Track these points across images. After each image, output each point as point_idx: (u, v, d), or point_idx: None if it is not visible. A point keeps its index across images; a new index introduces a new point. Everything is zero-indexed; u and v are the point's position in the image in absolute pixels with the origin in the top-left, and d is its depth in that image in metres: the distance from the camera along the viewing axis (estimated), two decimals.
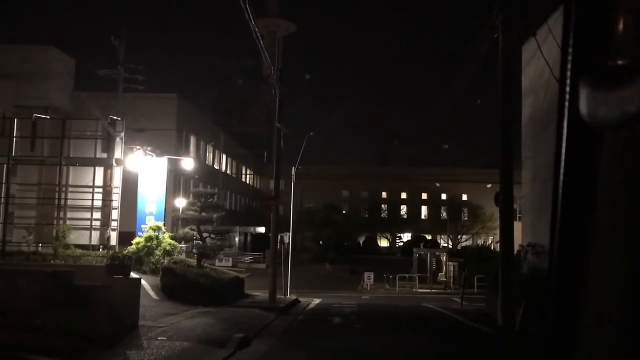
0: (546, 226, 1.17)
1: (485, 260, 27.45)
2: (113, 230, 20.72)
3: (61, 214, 20.78)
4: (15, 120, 21.13)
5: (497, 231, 17.30)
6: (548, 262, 1.19)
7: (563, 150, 1.08)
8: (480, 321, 17.60)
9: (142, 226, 22.12)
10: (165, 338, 11.64)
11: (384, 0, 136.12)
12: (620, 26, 1.00)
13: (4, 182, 19.87)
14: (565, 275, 1.16)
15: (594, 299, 1.14)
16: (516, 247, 18.29)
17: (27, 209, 21.12)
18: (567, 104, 1.04)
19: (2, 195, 19.73)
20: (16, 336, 8.90)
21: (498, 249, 17.26)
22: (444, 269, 36.43)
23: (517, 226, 19.21)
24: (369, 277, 33.68)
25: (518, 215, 27.42)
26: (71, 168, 21.14)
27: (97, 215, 20.94)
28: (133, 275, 15.34)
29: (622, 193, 1.07)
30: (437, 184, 65.02)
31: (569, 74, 1.04)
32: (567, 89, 1.04)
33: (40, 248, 20.09)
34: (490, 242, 56.15)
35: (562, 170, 1.09)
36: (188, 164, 30.83)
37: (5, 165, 19.82)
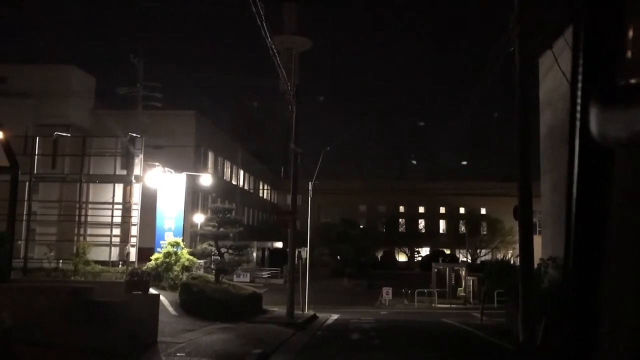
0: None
1: (505, 275, 27.14)
2: (132, 246, 20.90)
3: (81, 231, 21.03)
4: (37, 138, 21.51)
5: (517, 245, 17.11)
6: (562, 279, 1.19)
7: (575, 169, 1.08)
8: (500, 337, 17.37)
9: (161, 242, 22.25)
10: (184, 354, 11.66)
11: (401, 14, 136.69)
12: (630, 46, 1.01)
13: (25, 199, 20.16)
14: (580, 291, 1.16)
15: (610, 314, 1.14)
16: (537, 261, 18.07)
17: (48, 225, 21.40)
18: (578, 123, 1.05)
19: (24, 213, 20.00)
20: (37, 352, 8.98)
21: (518, 263, 17.06)
22: (463, 283, 36.05)
23: (537, 240, 18.99)
24: (387, 292, 33.43)
25: (538, 228, 27.13)
26: (91, 185, 21.42)
27: (116, 231, 21.15)
28: (152, 291, 15.42)
29: (635, 209, 1.07)
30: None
31: (579, 93, 1.05)
32: (578, 107, 1.05)
33: (61, 264, 20.31)
34: (510, 256, 55.51)
35: (574, 188, 1.10)
36: (206, 180, 31.02)
37: (27, 183, 20.13)
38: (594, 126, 1.00)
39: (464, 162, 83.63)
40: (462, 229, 68.51)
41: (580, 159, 1.08)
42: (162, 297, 16.46)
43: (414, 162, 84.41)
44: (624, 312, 1.15)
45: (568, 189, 1.12)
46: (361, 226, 62.73)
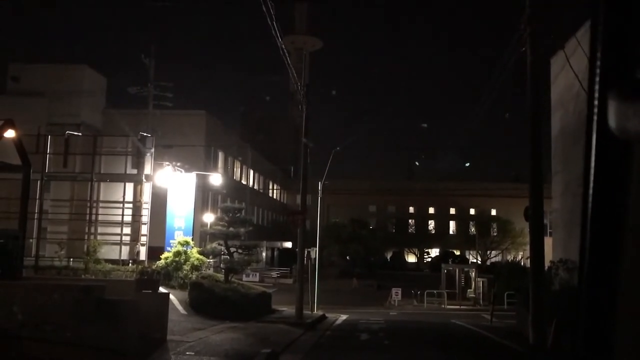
0: (577, 241, 1.16)
1: (516, 277, 27.01)
2: (142, 245, 20.98)
3: (92, 229, 21.14)
4: (49, 137, 21.65)
5: (527, 247, 17.01)
6: (578, 279, 1.17)
7: (592, 164, 1.06)
8: (510, 338, 17.28)
9: (171, 241, 22.34)
10: (193, 353, 11.68)
11: (411, 13, 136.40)
12: None
13: (37, 197, 20.30)
14: (595, 292, 1.14)
15: (626, 316, 1.12)
16: (547, 263, 17.96)
17: (59, 224, 21.53)
18: (595, 117, 1.03)
19: (36, 211, 20.14)
20: (48, 350, 9.03)
21: (528, 264, 16.96)
22: (473, 285, 35.90)
23: (548, 241, 18.88)
24: (396, 293, 33.36)
25: (549, 230, 26.98)
26: (102, 184, 21.52)
27: (127, 230, 21.23)
28: (162, 290, 15.49)
29: None
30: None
31: (597, 87, 1.03)
32: (596, 102, 1.03)
33: (71, 263, 20.43)
34: (520, 257, 55.22)
35: (591, 185, 1.08)
36: (216, 179, 31.10)
37: (39, 182, 20.27)
38: (612, 120, 0.99)
39: (470, 163, 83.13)
40: (472, 230, 68.23)
41: (597, 155, 1.06)
42: (171, 296, 16.51)
43: (421, 161, 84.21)
44: None
45: (584, 186, 1.10)
46: (370, 226, 62.59)
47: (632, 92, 0.97)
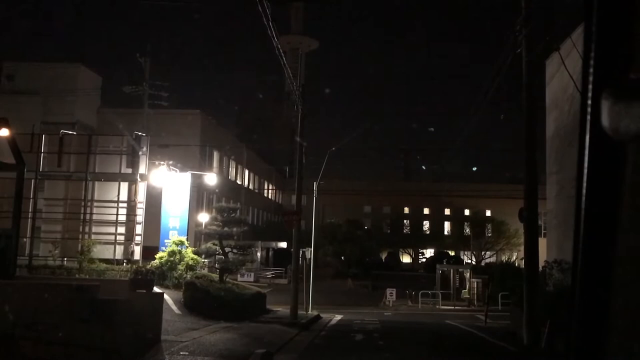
0: (571, 242, 1.16)
1: (510, 277, 27.08)
2: (137, 244, 20.91)
3: (86, 229, 21.06)
4: (43, 136, 21.57)
5: (522, 247, 17.06)
6: (571, 279, 1.17)
7: (585, 164, 1.06)
8: (505, 339, 17.31)
9: (166, 241, 22.29)
10: (187, 353, 11.66)
11: (407, 15, 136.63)
12: None
13: (31, 197, 20.21)
14: (589, 292, 1.13)
15: (618, 317, 1.12)
16: (541, 264, 18.03)
17: (53, 223, 21.44)
18: (589, 117, 1.03)
19: (30, 210, 20.05)
20: (41, 349, 9.00)
21: (523, 265, 17.01)
22: (468, 285, 35.93)
23: (543, 242, 18.94)
24: (391, 294, 33.36)
25: (543, 231, 27.06)
26: (96, 183, 21.45)
27: (121, 229, 21.16)
28: (156, 289, 15.43)
29: None
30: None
31: (590, 87, 1.03)
32: (589, 102, 1.03)
33: (65, 262, 20.35)
34: (514, 258, 55.35)
35: (584, 185, 1.07)
36: (211, 179, 31.04)
37: (33, 181, 20.18)
38: (605, 120, 0.99)
39: (466, 164, 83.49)
40: (467, 230, 68.37)
41: (590, 154, 1.06)
42: (166, 296, 16.47)
43: (421, 163, 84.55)
44: (635, 318, 1.13)
45: (577, 185, 1.10)
46: (366, 227, 62.59)
47: (625, 92, 0.97)
